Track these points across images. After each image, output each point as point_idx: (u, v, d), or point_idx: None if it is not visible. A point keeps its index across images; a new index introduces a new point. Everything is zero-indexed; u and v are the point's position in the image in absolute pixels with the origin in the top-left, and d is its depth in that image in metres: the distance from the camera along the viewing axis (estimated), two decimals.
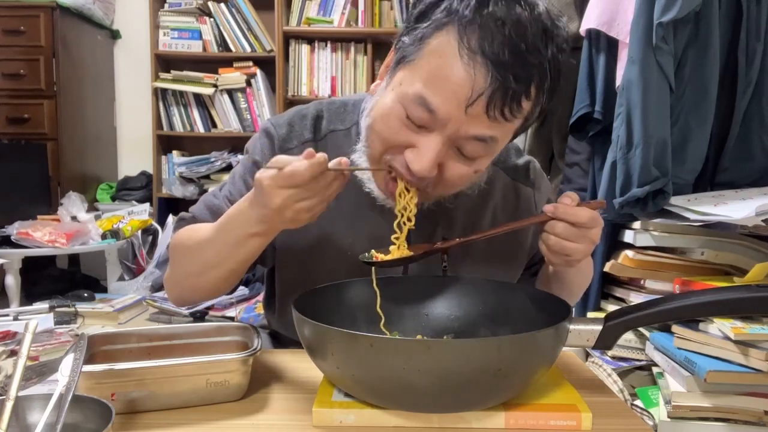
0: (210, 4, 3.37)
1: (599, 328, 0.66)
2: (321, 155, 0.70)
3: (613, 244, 1.55)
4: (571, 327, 0.66)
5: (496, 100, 0.69)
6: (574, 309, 0.75)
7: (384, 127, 0.76)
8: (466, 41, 0.68)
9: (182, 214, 0.95)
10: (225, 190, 0.92)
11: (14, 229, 2.58)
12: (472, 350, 0.59)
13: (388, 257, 0.79)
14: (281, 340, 1.00)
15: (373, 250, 0.80)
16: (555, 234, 0.76)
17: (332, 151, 0.87)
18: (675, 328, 1.26)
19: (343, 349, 0.62)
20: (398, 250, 0.79)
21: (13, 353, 0.94)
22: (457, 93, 0.69)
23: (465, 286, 0.83)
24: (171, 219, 3.13)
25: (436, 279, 0.87)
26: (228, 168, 3.38)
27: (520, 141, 1.95)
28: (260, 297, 2.49)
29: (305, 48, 3.42)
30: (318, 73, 3.42)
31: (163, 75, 3.41)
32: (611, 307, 1.54)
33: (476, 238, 0.80)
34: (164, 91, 3.43)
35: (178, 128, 3.47)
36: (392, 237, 0.80)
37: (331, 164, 0.71)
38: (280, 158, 0.71)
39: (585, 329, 0.67)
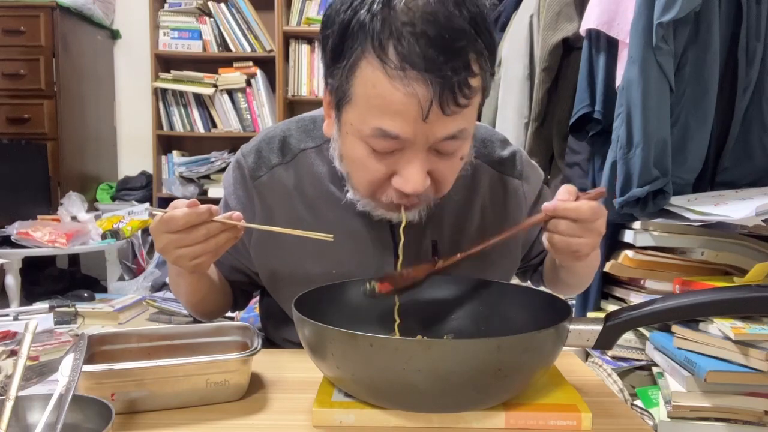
0: (210, 4, 3.37)
1: (599, 328, 0.66)
2: (203, 207, 0.71)
3: (613, 244, 1.55)
4: (571, 327, 0.66)
5: (447, 98, 0.67)
6: (574, 309, 0.75)
7: (362, 173, 0.75)
8: (389, 62, 0.66)
9: None
10: None
11: (14, 229, 2.58)
12: (472, 350, 0.59)
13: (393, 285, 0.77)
14: (277, 346, 1.00)
15: (373, 281, 0.77)
16: (558, 233, 0.74)
17: (304, 170, 0.89)
18: (675, 328, 1.26)
19: (343, 349, 0.62)
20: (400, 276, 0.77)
21: (13, 353, 0.94)
22: (408, 112, 0.67)
23: (465, 286, 0.83)
24: None
25: (435, 279, 0.87)
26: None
27: (521, 141, 1.95)
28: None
29: (305, 48, 3.42)
30: (318, 73, 3.42)
31: (163, 75, 3.41)
32: (611, 307, 1.54)
33: (477, 250, 0.77)
34: (164, 91, 3.44)
35: (178, 128, 3.47)
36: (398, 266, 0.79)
37: (220, 217, 0.72)
38: (175, 203, 0.73)
39: (585, 329, 0.67)
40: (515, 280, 1.10)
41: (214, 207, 0.72)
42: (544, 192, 1.00)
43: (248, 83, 3.40)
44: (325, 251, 0.86)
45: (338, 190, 0.87)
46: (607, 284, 1.61)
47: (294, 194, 0.88)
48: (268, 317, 1.02)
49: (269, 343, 1.02)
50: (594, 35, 1.58)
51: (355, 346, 0.60)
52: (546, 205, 0.74)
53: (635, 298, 1.48)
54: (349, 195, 0.82)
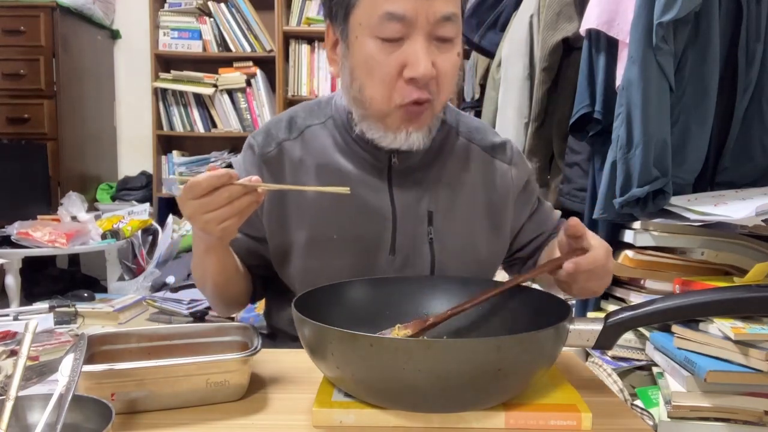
0: (210, 4, 3.37)
1: (599, 328, 0.66)
2: (222, 171, 0.74)
3: (613, 244, 1.55)
4: (571, 327, 0.66)
5: None
6: (574, 309, 0.75)
7: (375, 72, 0.82)
8: None
9: None
10: None
11: (14, 229, 2.58)
12: (472, 350, 0.59)
13: None
14: (279, 339, 1.01)
15: None
16: (577, 283, 0.78)
17: (310, 143, 0.95)
18: (675, 328, 1.26)
19: (343, 349, 0.62)
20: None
21: (13, 353, 0.94)
22: None
23: (465, 287, 0.83)
24: (171, 219, 3.13)
25: (435, 279, 0.87)
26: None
27: (521, 141, 1.95)
28: None
29: (305, 48, 3.42)
30: (318, 73, 3.43)
31: (163, 75, 3.41)
32: (611, 307, 1.54)
33: (468, 307, 0.77)
34: (164, 91, 3.44)
35: (178, 128, 3.47)
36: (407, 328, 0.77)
37: (241, 180, 0.75)
38: (197, 175, 0.76)
39: (585, 329, 0.67)
40: (501, 274, 1.11)
41: (233, 171, 0.75)
42: (533, 184, 1.05)
43: (248, 83, 3.40)
44: (326, 217, 0.92)
45: (342, 158, 0.93)
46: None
47: (300, 165, 0.94)
48: (272, 300, 1.05)
49: (272, 329, 1.04)
50: (594, 35, 1.58)
51: (355, 346, 0.60)
52: (567, 266, 0.74)
53: (635, 298, 1.48)
54: (358, 129, 0.89)
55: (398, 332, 0.77)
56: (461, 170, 0.96)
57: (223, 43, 3.41)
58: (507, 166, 1.00)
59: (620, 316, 0.67)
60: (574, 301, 1.63)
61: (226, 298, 0.98)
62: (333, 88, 3.41)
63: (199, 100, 3.44)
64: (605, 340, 0.67)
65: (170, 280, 2.69)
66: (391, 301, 0.81)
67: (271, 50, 3.37)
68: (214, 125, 3.47)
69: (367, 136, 0.88)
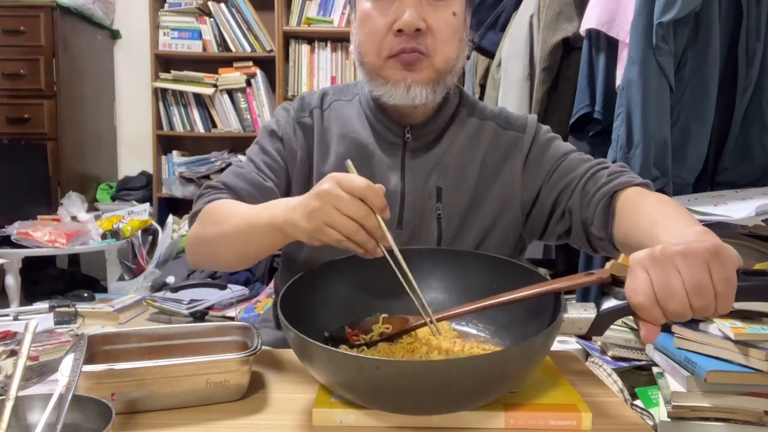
0: (210, 4, 3.37)
1: (592, 316, 0.64)
2: (382, 188, 0.69)
3: None
4: (565, 316, 0.64)
5: None
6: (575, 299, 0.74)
7: (369, 29, 0.88)
8: None
9: (210, 182, 1.00)
10: (248, 158, 1.01)
11: (14, 229, 2.58)
12: (480, 367, 0.58)
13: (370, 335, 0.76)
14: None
15: (345, 326, 0.77)
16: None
17: (336, 115, 1.02)
18: (675, 328, 1.26)
19: (343, 368, 0.61)
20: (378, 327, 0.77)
21: (13, 353, 0.94)
22: None
23: (448, 259, 0.83)
24: (171, 219, 3.13)
25: (418, 251, 0.85)
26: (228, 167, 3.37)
27: None
28: (260, 297, 2.49)
29: (305, 48, 3.42)
30: (318, 73, 3.42)
31: (163, 75, 3.41)
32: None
33: (452, 314, 0.73)
34: (164, 91, 3.43)
35: (178, 128, 3.47)
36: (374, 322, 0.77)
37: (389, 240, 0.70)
38: (353, 178, 0.69)
39: (579, 317, 0.65)
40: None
41: (382, 188, 0.69)
42: (551, 145, 0.98)
43: (248, 83, 3.39)
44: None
45: (363, 131, 0.98)
46: (607, 284, 1.60)
47: (326, 133, 1.01)
48: (281, 272, 1.08)
49: (278, 329, 1.04)
50: (594, 35, 1.58)
51: (360, 368, 0.59)
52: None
53: None
54: (366, 89, 0.96)
55: (380, 326, 0.76)
56: (471, 147, 0.98)
57: (223, 43, 3.41)
58: (518, 134, 0.99)
59: (613, 304, 0.65)
60: (574, 302, 1.63)
61: (225, 263, 0.93)
62: None
63: (199, 100, 3.44)
64: (597, 328, 0.65)
65: (170, 280, 2.69)
66: (374, 276, 0.79)
67: (271, 50, 3.37)
68: (214, 125, 3.47)
69: (374, 94, 0.93)
